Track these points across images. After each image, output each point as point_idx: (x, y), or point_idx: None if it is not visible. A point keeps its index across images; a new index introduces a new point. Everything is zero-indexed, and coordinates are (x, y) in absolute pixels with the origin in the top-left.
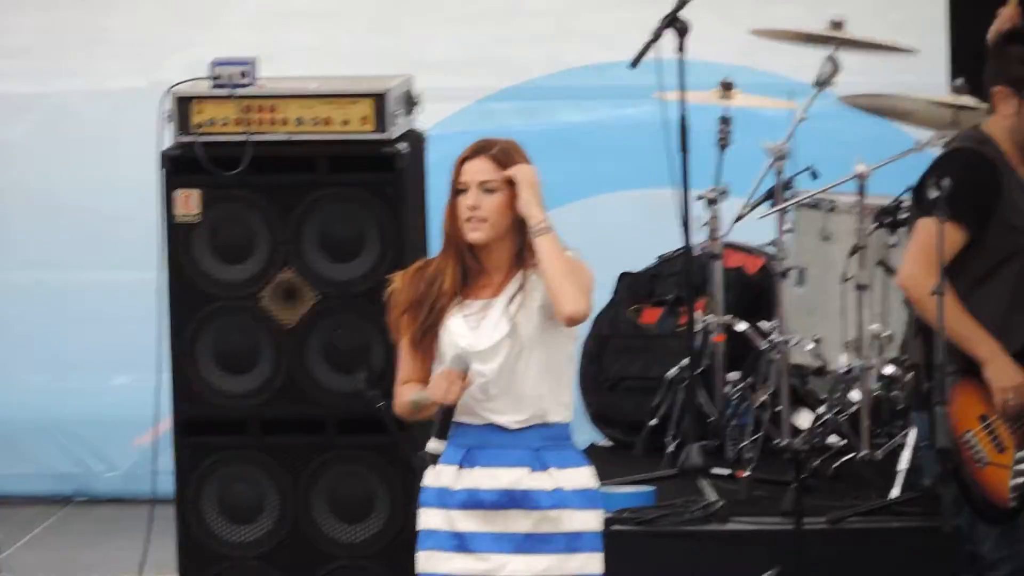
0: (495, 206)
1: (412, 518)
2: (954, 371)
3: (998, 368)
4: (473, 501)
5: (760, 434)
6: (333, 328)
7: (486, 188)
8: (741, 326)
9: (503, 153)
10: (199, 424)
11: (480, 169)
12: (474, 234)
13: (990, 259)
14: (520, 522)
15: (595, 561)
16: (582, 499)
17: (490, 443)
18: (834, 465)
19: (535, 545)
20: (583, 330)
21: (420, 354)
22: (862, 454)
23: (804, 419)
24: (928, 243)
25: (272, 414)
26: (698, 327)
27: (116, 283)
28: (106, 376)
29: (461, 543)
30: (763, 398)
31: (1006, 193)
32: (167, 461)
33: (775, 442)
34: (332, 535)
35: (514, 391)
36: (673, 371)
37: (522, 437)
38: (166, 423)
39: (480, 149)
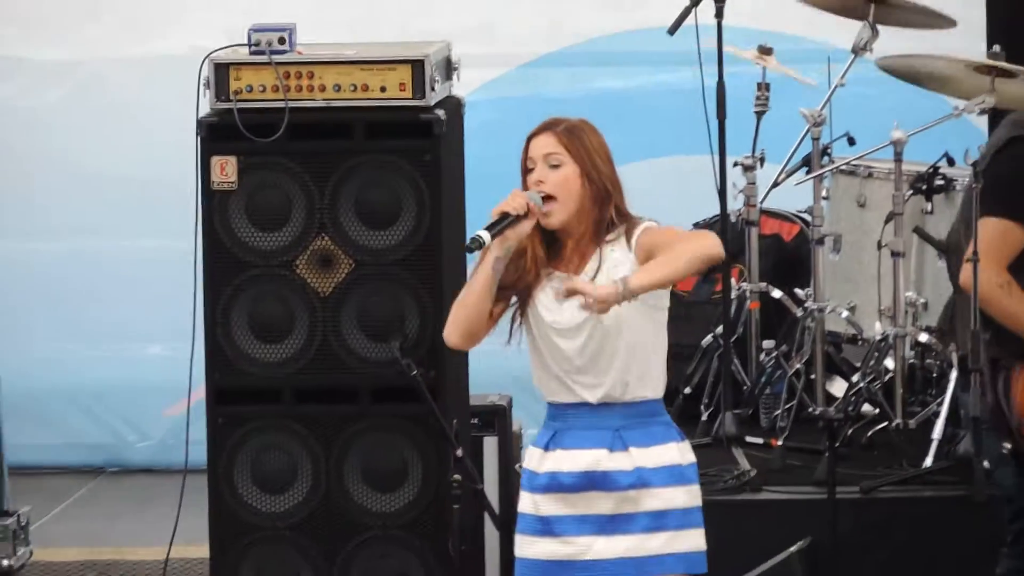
0: (560, 180)
1: (445, 488)
2: (1016, 353)
3: None
4: (554, 484)
5: (794, 402)
6: (369, 296)
7: (551, 163)
8: (776, 293)
9: (568, 131)
10: (232, 393)
11: (545, 144)
12: (546, 219)
13: None
14: (601, 503)
15: (683, 538)
16: (665, 477)
17: (574, 424)
18: (868, 434)
19: (618, 525)
20: None
21: (500, 303)
22: (896, 423)
23: (838, 387)
24: (990, 244)
25: (306, 383)
26: (733, 294)
27: (152, 251)
28: (140, 345)
29: (545, 527)
30: (797, 366)
31: None
32: (200, 431)
33: (809, 410)
34: (365, 505)
35: (598, 367)
36: (708, 339)
37: (605, 417)
38: (200, 392)
39: (547, 126)
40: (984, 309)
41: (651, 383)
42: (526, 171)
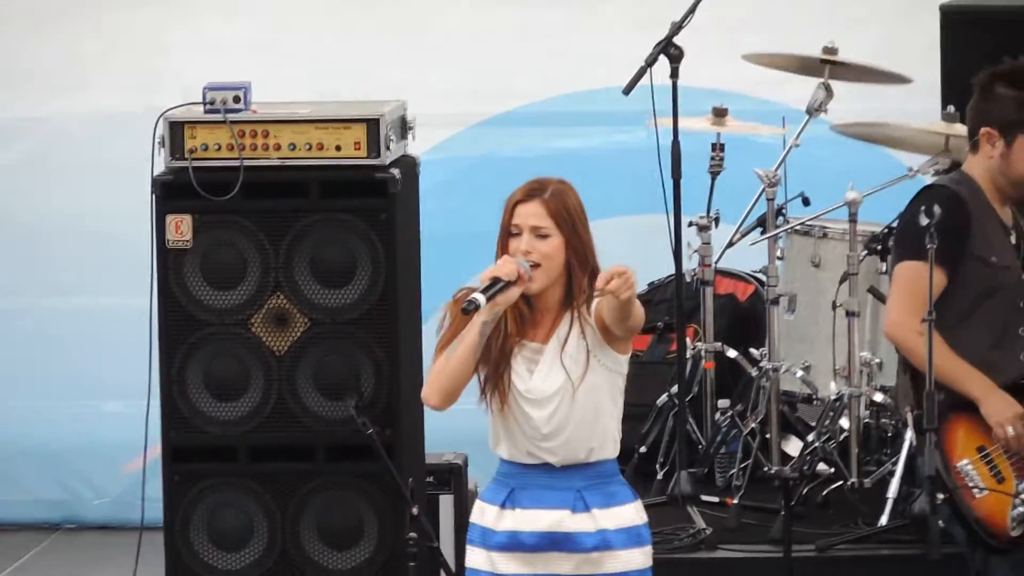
0: (548, 251)
1: (401, 545)
2: (948, 403)
3: (993, 403)
4: (514, 543)
5: (749, 461)
6: (324, 354)
7: (539, 234)
8: (731, 353)
9: (555, 199)
10: (188, 451)
11: (533, 213)
12: (531, 284)
13: (969, 298)
14: (561, 564)
15: None
16: (625, 538)
17: (533, 484)
18: (823, 493)
19: None
20: None
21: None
22: (851, 482)
23: (793, 447)
24: (908, 287)
25: (261, 441)
26: (688, 354)
27: (108, 308)
28: (98, 402)
29: None
30: (753, 425)
31: (979, 230)
32: (157, 488)
33: (764, 469)
34: (321, 563)
35: (565, 434)
36: (663, 398)
37: (566, 478)
38: (156, 450)
39: (533, 193)
40: (910, 360)
41: (610, 444)
42: (509, 234)
